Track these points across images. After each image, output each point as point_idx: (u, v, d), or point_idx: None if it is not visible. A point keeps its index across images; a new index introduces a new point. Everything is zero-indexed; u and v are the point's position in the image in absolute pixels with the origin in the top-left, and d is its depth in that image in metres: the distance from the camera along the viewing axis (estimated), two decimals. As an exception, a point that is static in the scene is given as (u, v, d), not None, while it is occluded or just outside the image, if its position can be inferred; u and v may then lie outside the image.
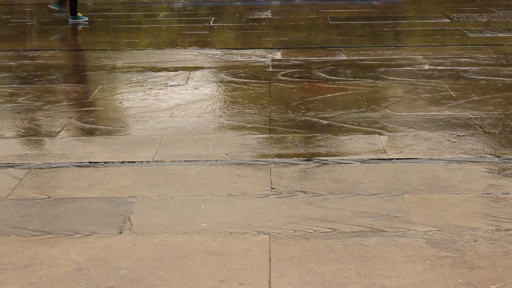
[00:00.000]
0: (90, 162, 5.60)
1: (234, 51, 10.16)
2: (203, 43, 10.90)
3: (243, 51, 10.00)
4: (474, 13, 13.58)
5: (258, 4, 15.23)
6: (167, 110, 7.03)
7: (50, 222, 4.50)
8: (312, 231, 4.33)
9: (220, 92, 7.85)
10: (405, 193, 4.89)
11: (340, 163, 5.53)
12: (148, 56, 9.85)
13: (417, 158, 5.60)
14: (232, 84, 8.11)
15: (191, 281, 3.77)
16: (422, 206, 4.68)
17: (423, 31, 11.86)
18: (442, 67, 8.74)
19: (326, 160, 5.58)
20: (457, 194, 4.89)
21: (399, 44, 10.59)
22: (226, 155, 5.75)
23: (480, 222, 4.42)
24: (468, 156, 5.61)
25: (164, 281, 3.77)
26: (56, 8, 13.74)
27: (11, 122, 6.73)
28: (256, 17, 13.54)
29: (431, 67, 8.76)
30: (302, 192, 4.94)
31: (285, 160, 5.61)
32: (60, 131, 6.41)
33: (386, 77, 8.33)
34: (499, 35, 11.16)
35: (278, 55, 9.76)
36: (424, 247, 4.10)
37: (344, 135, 6.20)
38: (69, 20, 13.20)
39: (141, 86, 8.07)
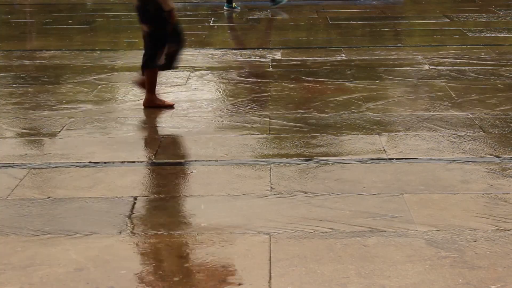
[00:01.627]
0: (90, 162, 5.60)
1: (234, 51, 10.16)
2: (203, 43, 10.90)
3: (243, 51, 10.00)
4: (474, 13, 13.58)
5: (258, 4, 15.24)
6: (167, 110, 7.02)
7: (50, 222, 4.50)
8: (312, 231, 4.33)
9: (220, 92, 7.85)
10: (405, 193, 4.89)
11: (340, 163, 5.53)
12: (148, 56, 9.84)
13: (417, 158, 5.60)
14: (232, 84, 8.10)
15: (191, 281, 3.77)
16: (422, 206, 4.68)
17: (423, 31, 11.86)
18: (442, 67, 8.74)
19: (326, 160, 5.58)
20: (457, 194, 4.89)
21: (399, 44, 10.59)
22: (226, 155, 5.75)
23: (480, 222, 4.42)
24: (468, 156, 5.62)
25: (164, 281, 3.77)
26: (228, 8, 14.35)
27: (11, 122, 6.73)
28: (256, 17, 13.54)
29: (431, 67, 8.76)
30: (302, 192, 4.94)
31: (285, 160, 5.61)
32: (60, 131, 6.41)
33: (386, 77, 8.33)
34: (499, 35, 11.16)
35: (278, 55, 9.75)
36: (424, 247, 4.10)
37: (344, 135, 6.20)
38: (225, 7, 14.23)
39: (141, 86, 8.06)
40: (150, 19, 6.97)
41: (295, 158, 5.64)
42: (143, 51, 7.17)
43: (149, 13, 6.95)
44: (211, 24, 12.84)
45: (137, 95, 7.66)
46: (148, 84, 7.11)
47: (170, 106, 7.12)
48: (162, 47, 7.05)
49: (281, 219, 4.50)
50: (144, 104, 7.13)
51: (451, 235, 4.25)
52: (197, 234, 4.31)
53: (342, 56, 9.56)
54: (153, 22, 6.97)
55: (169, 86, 8.04)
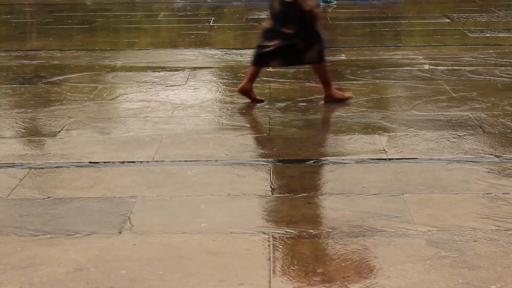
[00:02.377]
0: (90, 162, 5.60)
1: (234, 51, 10.16)
2: (203, 43, 10.90)
3: (243, 51, 10.00)
4: (474, 13, 13.58)
5: (258, 4, 15.24)
6: (167, 110, 7.03)
7: (50, 222, 4.50)
8: (312, 231, 4.33)
9: (220, 92, 7.84)
10: (405, 193, 4.89)
11: (340, 163, 5.53)
12: (148, 56, 9.85)
13: (417, 158, 5.60)
14: (232, 84, 8.10)
15: (191, 281, 3.77)
16: (422, 206, 4.68)
17: (423, 31, 11.87)
18: (442, 67, 8.74)
19: (326, 160, 5.58)
20: (457, 194, 4.89)
21: (399, 44, 10.59)
22: (226, 155, 5.75)
23: (480, 222, 4.42)
24: (468, 156, 5.61)
25: (164, 281, 3.77)
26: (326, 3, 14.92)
27: (11, 122, 6.73)
28: (256, 17, 13.54)
29: (431, 67, 8.76)
30: (302, 192, 4.94)
31: (285, 160, 5.61)
32: (60, 131, 6.41)
33: (386, 77, 8.33)
34: (499, 35, 11.16)
35: (278, 55, 9.74)
36: (424, 247, 4.10)
37: (344, 135, 6.20)
38: (321, 3, 14.73)
39: (141, 86, 8.07)
40: (294, 20, 7.08)
41: (295, 158, 5.63)
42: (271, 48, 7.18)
43: (291, 16, 7.08)
44: (211, 24, 12.84)
45: (137, 95, 7.66)
46: (325, 79, 7.23)
47: (349, 99, 7.26)
48: (319, 43, 7.15)
49: (281, 219, 4.50)
50: (325, 100, 7.26)
51: (451, 235, 4.25)
52: (197, 234, 4.31)
53: (342, 56, 9.56)
54: (297, 23, 7.08)
55: (169, 86, 8.04)
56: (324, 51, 7.20)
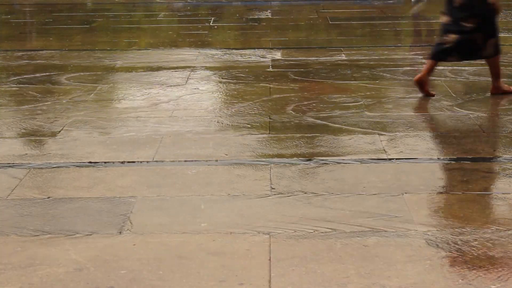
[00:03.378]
0: (90, 162, 5.60)
1: (234, 51, 10.16)
2: (203, 43, 10.91)
3: (243, 51, 10.01)
4: (474, 13, 13.56)
5: (258, 4, 15.24)
6: (167, 110, 7.03)
7: (50, 222, 4.50)
8: (312, 231, 4.33)
9: (220, 92, 7.85)
10: (405, 193, 4.89)
11: (340, 163, 5.53)
12: (148, 56, 9.85)
13: (417, 158, 5.60)
14: (232, 84, 8.11)
15: (191, 281, 3.77)
16: (422, 206, 4.68)
17: (423, 31, 11.86)
18: (442, 67, 8.73)
19: (326, 160, 5.58)
20: (457, 194, 4.89)
21: (399, 44, 10.59)
22: (226, 155, 5.75)
23: (479, 222, 4.42)
24: (468, 156, 5.61)
25: (164, 281, 3.77)
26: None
27: (11, 122, 6.73)
28: (256, 17, 13.54)
29: (431, 67, 8.75)
30: (302, 192, 4.93)
31: (285, 160, 5.61)
32: (60, 131, 6.41)
33: (386, 77, 8.33)
34: (499, 35, 11.15)
35: (278, 55, 9.76)
36: (424, 247, 4.10)
37: (344, 135, 6.20)
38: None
39: (141, 86, 8.07)
40: (476, 13, 7.20)
41: (295, 158, 5.63)
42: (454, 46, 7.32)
43: (474, 8, 7.20)
44: (211, 24, 12.84)
45: (137, 95, 7.66)
46: (496, 71, 7.39)
47: None
48: (496, 36, 7.32)
49: (281, 219, 4.49)
50: (492, 92, 7.42)
51: (451, 235, 4.25)
52: (197, 234, 4.31)
53: (342, 56, 9.56)
54: (480, 16, 7.20)
55: (169, 86, 8.04)
56: (499, 44, 7.37)
